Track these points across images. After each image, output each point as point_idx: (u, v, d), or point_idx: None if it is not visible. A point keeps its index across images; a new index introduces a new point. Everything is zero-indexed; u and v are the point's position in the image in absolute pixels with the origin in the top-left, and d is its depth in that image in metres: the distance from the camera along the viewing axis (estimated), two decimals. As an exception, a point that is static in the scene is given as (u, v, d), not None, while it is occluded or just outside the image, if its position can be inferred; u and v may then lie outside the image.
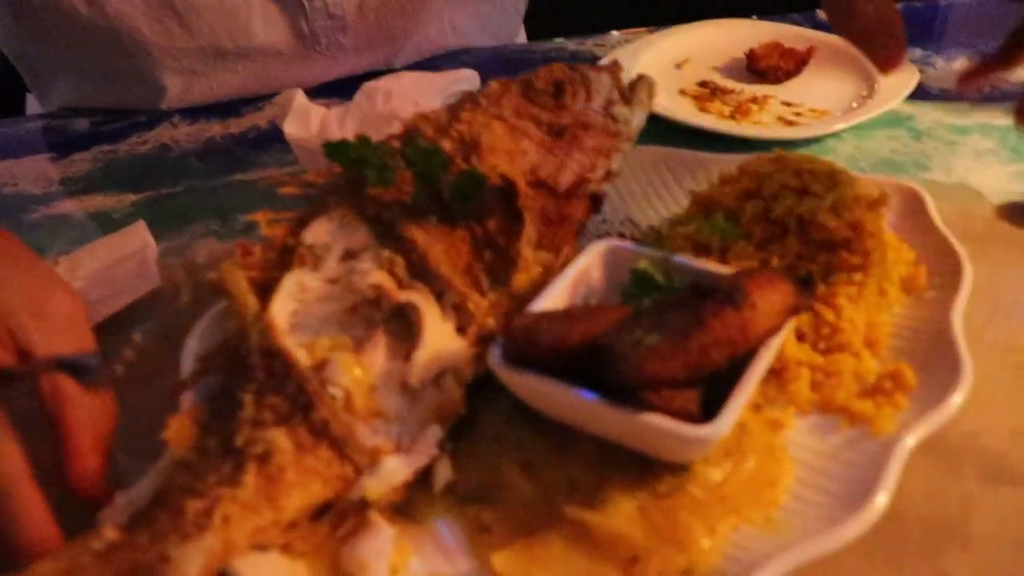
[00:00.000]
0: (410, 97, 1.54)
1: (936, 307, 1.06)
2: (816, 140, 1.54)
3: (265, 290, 1.07)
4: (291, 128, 1.52)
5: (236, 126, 1.84)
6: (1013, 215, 1.34)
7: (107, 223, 1.54)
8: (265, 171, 1.66)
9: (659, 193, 1.34)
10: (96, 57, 1.84)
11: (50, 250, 1.46)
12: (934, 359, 0.99)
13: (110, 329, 1.23)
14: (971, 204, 1.37)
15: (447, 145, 1.17)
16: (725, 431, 0.81)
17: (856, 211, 1.06)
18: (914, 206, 1.23)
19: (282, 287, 1.06)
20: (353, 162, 1.11)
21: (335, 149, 1.11)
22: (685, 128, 1.55)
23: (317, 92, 1.87)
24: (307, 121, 1.53)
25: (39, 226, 1.55)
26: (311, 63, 1.91)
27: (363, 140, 1.11)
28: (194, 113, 1.90)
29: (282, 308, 1.04)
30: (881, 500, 0.83)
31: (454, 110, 1.21)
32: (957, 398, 0.92)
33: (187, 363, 1.10)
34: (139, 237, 1.41)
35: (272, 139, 1.75)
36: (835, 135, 1.55)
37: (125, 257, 1.36)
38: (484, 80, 1.72)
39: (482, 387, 1.07)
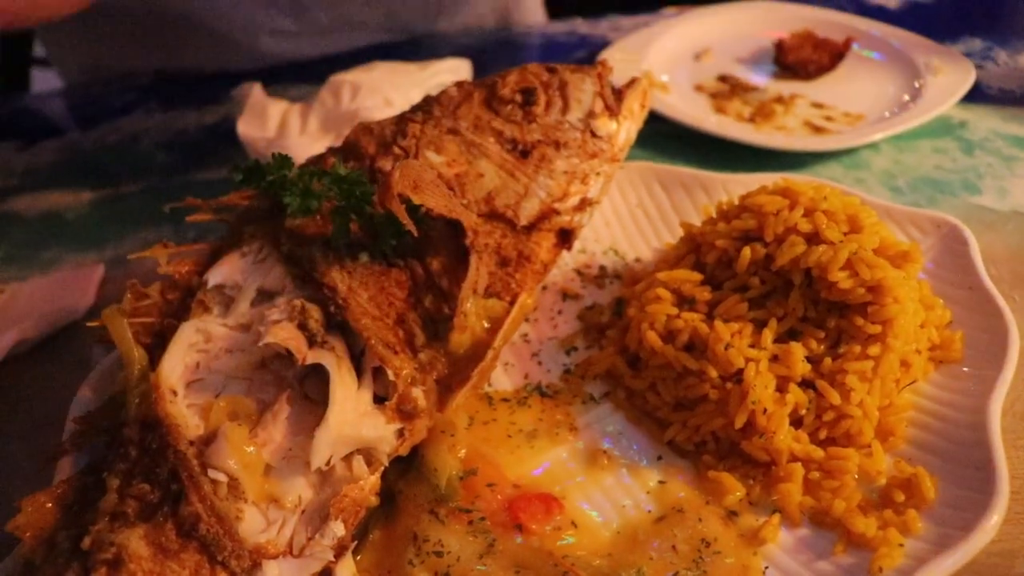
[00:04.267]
0: (381, 92, 1.35)
1: (971, 391, 0.86)
2: (848, 151, 1.32)
3: (164, 339, 0.91)
4: (245, 127, 1.35)
5: (212, 114, 1.68)
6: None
7: (59, 225, 1.41)
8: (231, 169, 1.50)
9: (651, 217, 1.14)
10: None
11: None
12: (962, 465, 0.79)
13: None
14: (1029, 236, 1.14)
15: (387, 165, 0.98)
16: None
17: (878, 268, 0.85)
18: (954, 247, 1.01)
19: (180, 337, 0.89)
20: (269, 186, 0.93)
21: (249, 171, 0.93)
22: (695, 132, 1.33)
23: (286, 75, 1.71)
24: (264, 118, 1.36)
25: (-11, 225, 1.42)
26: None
27: (281, 160, 0.93)
28: (172, 98, 1.74)
29: (179, 362, 0.88)
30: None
31: (402, 121, 1.02)
32: (985, 531, 0.72)
33: (75, 412, 0.94)
34: (86, 281, 1.25)
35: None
36: (871, 145, 1.33)
37: (64, 294, 1.21)
38: (478, 70, 1.55)
39: (406, 468, 0.91)
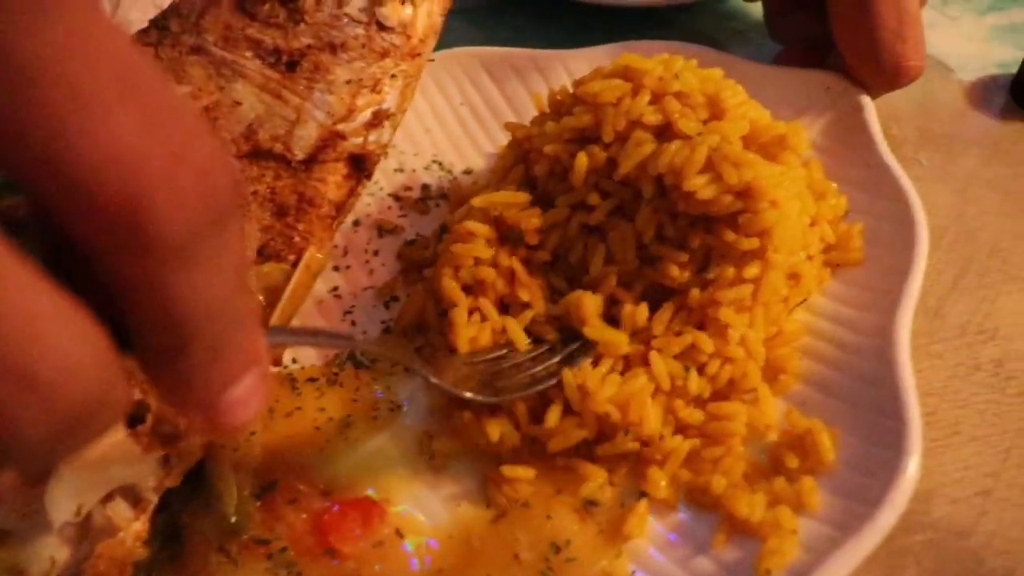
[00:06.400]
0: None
1: (874, 303, 0.69)
2: (720, -2, 1.11)
3: None
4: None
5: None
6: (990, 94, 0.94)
7: None
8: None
9: (480, 116, 0.92)
10: None
11: None
12: (867, 409, 0.63)
13: None
14: (934, 85, 0.96)
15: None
16: None
17: (746, 167, 0.66)
18: (848, 115, 0.82)
19: None
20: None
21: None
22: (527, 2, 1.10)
23: None
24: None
25: None
26: None
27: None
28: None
29: None
30: None
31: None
32: (894, 506, 0.57)
33: None
34: None
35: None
36: (741, -15, 1.11)
37: None
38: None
39: (193, 494, 0.72)
